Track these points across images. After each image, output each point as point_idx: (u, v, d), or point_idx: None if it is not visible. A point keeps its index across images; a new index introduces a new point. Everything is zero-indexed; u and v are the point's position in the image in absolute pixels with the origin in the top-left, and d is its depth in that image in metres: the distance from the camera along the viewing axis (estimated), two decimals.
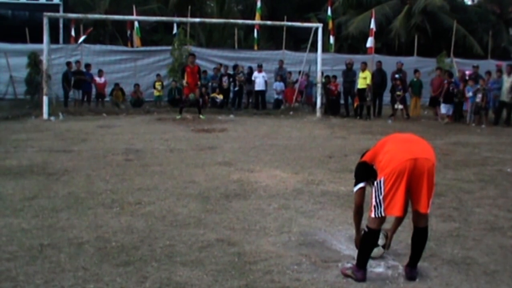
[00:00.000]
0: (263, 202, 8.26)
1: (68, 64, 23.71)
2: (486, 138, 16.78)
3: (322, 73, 23.62)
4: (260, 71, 25.14)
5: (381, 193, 5.10)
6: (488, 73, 22.08)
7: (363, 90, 22.71)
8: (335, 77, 24.23)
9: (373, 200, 5.18)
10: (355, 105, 23.13)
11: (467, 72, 23.04)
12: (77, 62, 24.32)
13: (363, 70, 22.96)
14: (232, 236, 6.56)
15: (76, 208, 7.73)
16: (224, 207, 7.95)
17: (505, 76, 21.00)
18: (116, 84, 24.63)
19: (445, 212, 7.89)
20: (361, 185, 5.82)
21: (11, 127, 17.01)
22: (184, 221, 7.15)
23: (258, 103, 25.22)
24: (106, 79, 24.63)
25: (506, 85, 20.70)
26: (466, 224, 7.31)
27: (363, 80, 22.81)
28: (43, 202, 8.02)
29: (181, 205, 7.97)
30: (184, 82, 20.66)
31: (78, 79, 23.47)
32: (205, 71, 24.49)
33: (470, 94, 21.12)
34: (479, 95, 20.87)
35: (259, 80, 25.02)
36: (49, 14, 21.21)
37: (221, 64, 25.90)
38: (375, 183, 5.21)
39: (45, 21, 20.31)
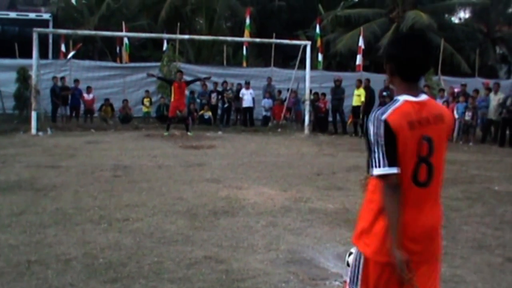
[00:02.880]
0: (251, 219, 8.27)
1: (54, 79, 23.73)
2: (473, 156, 16.87)
3: (311, 91, 23.73)
4: (247, 88, 25.24)
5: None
6: (476, 91, 22.23)
7: (357, 107, 22.84)
8: (324, 94, 24.37)
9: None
10: (349, 122, 23.23)
11: (455, 90, 23.20)
12: (62, 78, 24.29)
13: (358, 87, 23.09)
14: (220, 253, 6.57)
15: (64, 224, 7.71)
16: (212, 224, 7.96)
17: (492, 94, 21.16)
18: (106, 100, 24.62)
19: None
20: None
21: None
22: (172, 238, 7.15)
23: (246, 120, 25.28)
24: (95, 95, 24.61)
25: (493, 103, 20.87)
26: (453, 242, 7.33)
27: (358, 97, 22.96)
28: (30, 218, 8.00)
29: (169, 222, 7.97)
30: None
31: (64, 94, 23.51)
32: (192, 92, 24.55)
33: (460, 111, 21.21)
34: (469, 113, 21.00)
35: (246, 97, 25.12)
36: (39, 29, 21.26)
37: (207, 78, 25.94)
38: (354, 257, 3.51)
39: (35, 36, 20.35)
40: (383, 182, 3.21)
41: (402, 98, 3.29)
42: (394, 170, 3.16)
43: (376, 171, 3.20)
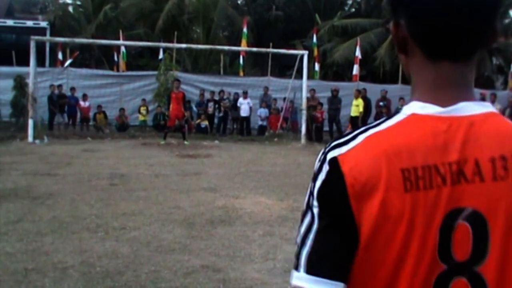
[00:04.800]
0: (248, 228, 8.28)
1: (51, 86, 23.80)
2: None
3: (308, 99, 23.80)
4: (245, 98, 25.31)
5: None
6: None
7: (356, 117, 22.93)
8: (321, 104, 24.41)
9: None
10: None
11: None
12: (59, 86, 24.34)
13: (356, 97, 23.17)
14: (217, 263, 6.58)
15: (60, 233, 7.72)
16: (209, 233, 7.97)
17: None
18: (99, 107, 24.63)
19: None
20: None
21: None
22: (169, 247, 7.16)
23: (243, 129, 25.31)
24: (91, 103, 24.64)
25: None
26: None
27: (356, 107, 23.05)
28: (27, 226, 8.00)
29: (166, 231, 7.98)
30: (166, 115, 20.98)
31: (61, 103, 23.58)
32: (189, 101, 24.58)
33: None
34: None
35: (244, 106, 25.21)
36: (36, 37, 21.29)
37: (203, 90, 25.99)
38: None
39: (32, 45, 20.38)
40: None
41: (411, 108, 1.33)
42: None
43: (294, 280, 1.31)
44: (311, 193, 1.32)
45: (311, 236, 1.28)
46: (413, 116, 1.29)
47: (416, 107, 1.31)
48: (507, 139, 1.27)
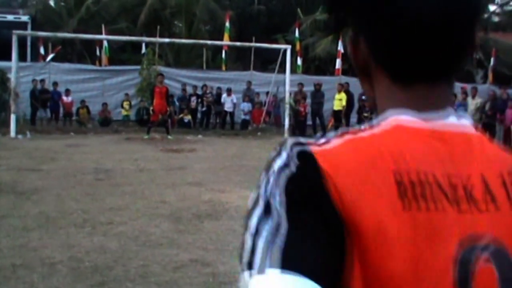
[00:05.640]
0: (235, 222, 8.29)
1: (33, 81, 23.72)
2: None
3: (290, 94, 23.86)
4: (229, 95, 25.41)
5: None
6: (454, 95, 22.44)
7: (338, 111, 23.03)
8: (304, 98, 24.47)
9: None
10: (330, 125, 23.37)
11: None
12: (42, 80, 24.23)
13: (339, 91, 23.26)
14: (206, 257, 6.60)
15: (47, 228, 7.70)
16: (196, 227, 7.99)
17: (470, 99, 21.44)
18: (82, 101, 24.52)
19: None
20: None
21: None
22: (157, 241, 7.17)
23: (225, 123, 25.35)
24: (73, 98, 24.52)
25: (471, 108, 21.13)
26: None
27: (339, 101, 23.19)
28: (14, 222, 7.97)
29: (154, 225, 7.98)
30: (151, 110, 20.93)
31: (44, 97, 23.47)
32: (171, 95, 24.51)
33: None
34: None
35: (228, 104, 25.33)
36: (18, 31, 21.18)
37: (185, 84, 25.97)
38: None
39: (14, 39, 20.27)
40: None
41: (394, 116, 1.02)
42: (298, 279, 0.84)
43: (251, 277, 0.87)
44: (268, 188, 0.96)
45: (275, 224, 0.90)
46: (399, 127, 1.01)
47: (399, 120, 1.02)
48: (502, 157, 1.06)
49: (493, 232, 0.96)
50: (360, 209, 0.90)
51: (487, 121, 20.61)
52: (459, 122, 1.05)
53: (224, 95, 25.52)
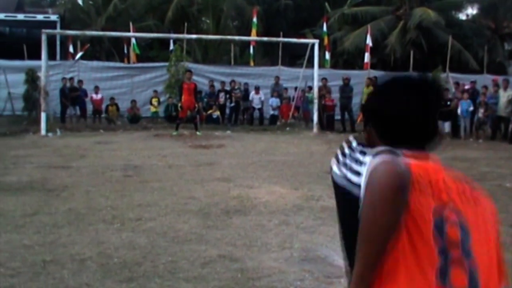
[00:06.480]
0: (263, 218, 8.28)
1: (62, 79, 23.98)
2: (483, 153, 16.84)
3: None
4: (257, 93, 25.34)
5: None
6: (485, 87, 22.23)
7: None
8: (329, 92, 24.39)
9: None
10: (359, 120, 23.23)
11: (466, 87, 23.17)
12: (71, 78, 24.44)
13: (368, 85, 23.12)
14: (234, 252, 6.58)
15: (77, 224, 7.75)
16: (224, 223, 7.98)
17: (501, 91, 21.14)
18: (111, 99, 24.67)
19: None
20: None
21: (9, 144, 16.98)
22: (186, 237, 7.17)
23: (253, 119, 25.34)
24: (103, 95, 24.68)
25: (502, 100, 20.84)
26: None
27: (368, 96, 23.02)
28: (44, 218, 8.04)
29: (182, 221, 7.99)
30: (179, 106, 20.97)
31: (73, 95, 23.67)
32: (200, 91, 24.51)
33: (464, 108, 21.26)
34: (481, 110, 21.07)
35: (256, 101, 25.28)
36: (47, 31, 21.38)
37: (212, 80, 25.97)
38: None
39: (43, 38, 20.44)
40: (380, 173, 1.88)
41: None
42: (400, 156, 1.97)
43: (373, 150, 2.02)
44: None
45: None
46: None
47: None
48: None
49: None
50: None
51: None
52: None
53: (252, 93, 25.44)
